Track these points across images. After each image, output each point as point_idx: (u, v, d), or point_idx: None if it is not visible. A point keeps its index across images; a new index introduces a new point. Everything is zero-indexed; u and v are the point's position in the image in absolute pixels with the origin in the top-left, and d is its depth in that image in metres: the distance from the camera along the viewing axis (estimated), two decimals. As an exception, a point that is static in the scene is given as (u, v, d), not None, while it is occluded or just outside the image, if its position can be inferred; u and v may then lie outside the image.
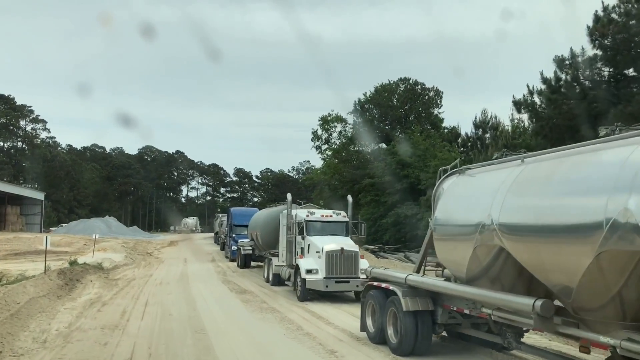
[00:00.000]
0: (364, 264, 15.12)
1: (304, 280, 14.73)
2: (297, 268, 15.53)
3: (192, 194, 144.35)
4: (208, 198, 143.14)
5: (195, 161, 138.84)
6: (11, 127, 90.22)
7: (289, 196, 16.98)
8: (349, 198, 17.71)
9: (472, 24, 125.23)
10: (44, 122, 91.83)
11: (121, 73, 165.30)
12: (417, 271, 9.42)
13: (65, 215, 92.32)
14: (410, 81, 52.00)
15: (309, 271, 14.74)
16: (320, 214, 16.53)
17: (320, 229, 16.10)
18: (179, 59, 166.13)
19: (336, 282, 14.56)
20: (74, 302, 14.44)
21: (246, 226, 32.77)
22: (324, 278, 14.56)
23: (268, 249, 21.37)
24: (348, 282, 14.64)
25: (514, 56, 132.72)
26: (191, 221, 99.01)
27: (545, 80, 21.00)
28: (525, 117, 35.83)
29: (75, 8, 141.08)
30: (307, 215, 16.14)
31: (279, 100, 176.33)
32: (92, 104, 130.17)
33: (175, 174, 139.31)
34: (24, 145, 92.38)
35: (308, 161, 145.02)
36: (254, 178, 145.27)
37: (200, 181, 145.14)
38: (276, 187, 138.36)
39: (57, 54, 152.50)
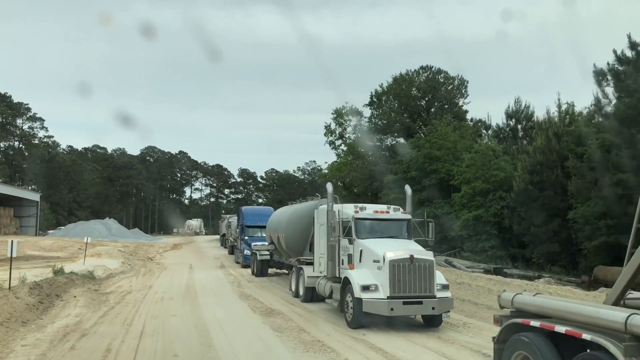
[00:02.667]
0: (439, 277, 11.09)
1: (358, 300, 10.66)
2: (345, 282, 11.47)
3: (196, 195, 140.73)
4: (212, 199, 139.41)
5: (199, 162, 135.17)
6: (8, 126, 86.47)
7: (329, 187, 12.92)
8: (408, 189, 13.61)
9: (473, 26, 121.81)
10: (41, 120, 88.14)
11: (124, 76, 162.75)
12: (616, 302, 5.36)
13: (65, 217, 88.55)
14: (433, 69, 47.85)
15: (365, 288, 10.67)
16: (372, 209, 12.45)
17: (375, 229, 12.05)
18: (181, 62, 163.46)
19: (404, 303, 10.49)
20: (42, 333, 10.42)
21: (261, 227, 28.86)
22: (388, 298, 10.49)
23: (295, 255, 17.32)
24: (421, 302, 10.56)
25: (515, 56, 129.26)
26: (195, 223, 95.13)
27: (633, 45, 16.86)
28: (578, 103, 31.70)
29: (79, 11, 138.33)
30: (356, 212, 12.09)
31: (282, 102, 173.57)
32: (94, 107, 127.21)
33: (179, 175, 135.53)
34: (21, 145, 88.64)
35: (314, 161, 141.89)
36: (259, 179, 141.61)
37: (203, 182, 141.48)
38: (281, 187, 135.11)
39: (60, 56, 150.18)
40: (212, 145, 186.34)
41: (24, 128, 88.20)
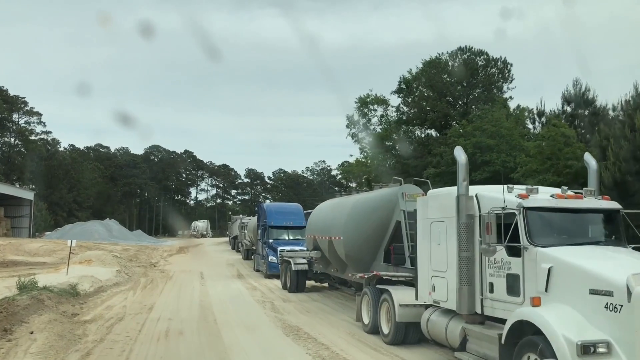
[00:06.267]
0: None
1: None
2: (516, 330, 5.96)
3: (201, 196, 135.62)
4: (218, 200, 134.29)
5: (205, 162, 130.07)
6: (4, 122, 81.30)
7: (460, 154, 7.44)
8: (589, 158, 8.11)
9: (476, 29, 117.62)
10: (38, 114, 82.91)
11: (129, 78, 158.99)
12: None
13: (64, 218, 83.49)
14: (472, 50, 42.25)
15: (587, 349, 5.17)
16: (547, 192, 6.95)
17: (564, 228, 6.54)
18: (187, 64, 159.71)
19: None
20: None
21: (288, 228, 23.53)
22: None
23: (359, 267, 11.87)
24: None
25: (518, 59, 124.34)
26: (201, 225, 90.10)
27: None
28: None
29: (87, 13, 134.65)
30: (524, 196, 6.57)
31: (288, 104, 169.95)
32: (99, 108, 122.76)
33: (184, 175, 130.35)
34: (17, 141, 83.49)
35: (324, 161, 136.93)
36: (266, 179, 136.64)
37: (209, 182, 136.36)
38: (290, 188, 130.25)
39: (65, 58, 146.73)
40: (218, 147, 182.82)
41: (20, 123, 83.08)
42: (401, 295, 9.17)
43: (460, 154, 7.43)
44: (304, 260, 17.29)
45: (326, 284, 18.01)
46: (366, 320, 10.48)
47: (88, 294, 16.72)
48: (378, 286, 10.04)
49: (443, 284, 7.67)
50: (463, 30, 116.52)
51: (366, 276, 10.61)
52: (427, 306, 8.52)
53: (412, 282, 9.74)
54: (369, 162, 45.48)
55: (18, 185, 71.89)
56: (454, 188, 7.64)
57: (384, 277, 9.98)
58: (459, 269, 7.14)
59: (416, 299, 8.60)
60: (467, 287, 7.04)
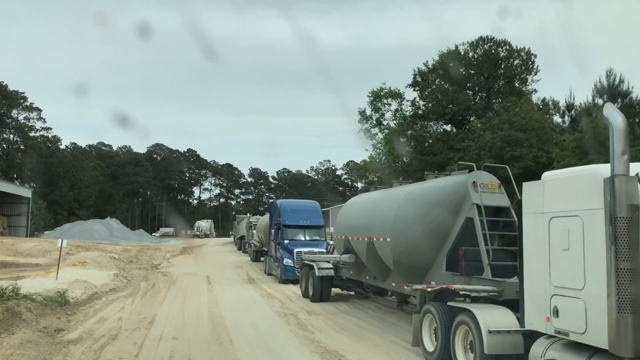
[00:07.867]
0: None
1: None
2: None
3: (204, 195, 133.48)
4: (221, 200, 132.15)
5: (208, 161, 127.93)
6: (2, 117, 79.12)
7: (616, 116, 4.97)
8: None
9: (478, 30, 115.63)
10: (38, 110, 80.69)
11: (132, 78, 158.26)
12: None
13: (65, 217, 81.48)
14: (495, 40, 39.65)
15: None
16: None
17: None
18: (189, 65, 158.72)
19: None
20: None
21: (305, 227, 21.14)
22: None
23: (409, 276, 9.42)
24: None
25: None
26: (205, 224, 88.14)
27: None
28: None
29: (89, 15, 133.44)
30: None
31: (290, 105, 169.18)
32: (102, 109, 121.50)
33: (187, 174, 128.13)
34: (16, 138, 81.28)
35: (328, 160, 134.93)
36: (270, 179, 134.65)
37: (213, 182, 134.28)
38: (294, 187, 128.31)
39: (69, 59, 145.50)
40: (222, 147, 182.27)
41: (19, 119, 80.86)
42: (489, 318, 6.72)
43: (615, 114, 4.97)
44: (330, 265, 14.87)
45: (352, 292, 15.60)
46: (429, 346, 8.02)
47: (79, 302, 14.40)
48: (450, 303, 7.57)
49: (577, 307, 5.23)
50: (466, 31, 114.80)
51: (430, 289, 8.12)
52: (524, 332, 6.12)
53: (492, 298, 7.35)
54: (383, 158, 43.02)
55: (17, 183, 69.61)
56: (594, 167, 5.23)
57: (461, 292, 7.50)
58: (616, 288, 4.69)
59: (522, 325, 6.14)
60: (632, 316, 4.61)
